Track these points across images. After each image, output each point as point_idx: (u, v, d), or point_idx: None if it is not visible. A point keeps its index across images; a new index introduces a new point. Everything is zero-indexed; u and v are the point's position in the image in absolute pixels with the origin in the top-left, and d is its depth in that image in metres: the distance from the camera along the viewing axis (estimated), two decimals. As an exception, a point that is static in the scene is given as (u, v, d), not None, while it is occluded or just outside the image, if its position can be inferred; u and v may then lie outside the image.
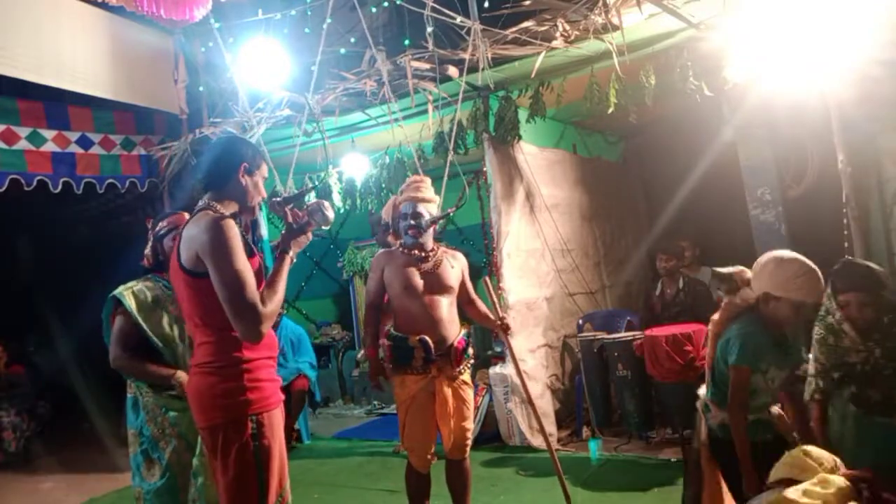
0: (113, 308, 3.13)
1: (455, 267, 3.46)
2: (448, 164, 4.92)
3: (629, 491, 4.06)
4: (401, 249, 3.44)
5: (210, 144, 2.43)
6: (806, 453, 2.41)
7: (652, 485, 4.08)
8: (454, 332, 3.35)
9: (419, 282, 3.32)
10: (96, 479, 5.58)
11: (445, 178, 4.92)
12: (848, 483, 2.29)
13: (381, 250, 3.60)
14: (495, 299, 3.62)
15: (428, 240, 3.43)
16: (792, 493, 2.32)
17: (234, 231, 2.07)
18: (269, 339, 2.17)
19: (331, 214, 2.34)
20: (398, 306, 3.38)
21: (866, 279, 2.81)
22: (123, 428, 6.94)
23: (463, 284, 3.51)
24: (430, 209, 3.45)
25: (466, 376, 3.39)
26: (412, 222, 3.37)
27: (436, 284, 3.34)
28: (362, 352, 6.62)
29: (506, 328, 3.50)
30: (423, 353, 3.24)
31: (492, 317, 3.61)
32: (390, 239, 5.47)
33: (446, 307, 3.36)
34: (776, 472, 2.48)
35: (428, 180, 3.56)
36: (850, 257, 2.98)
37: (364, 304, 3.52)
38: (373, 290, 3.47)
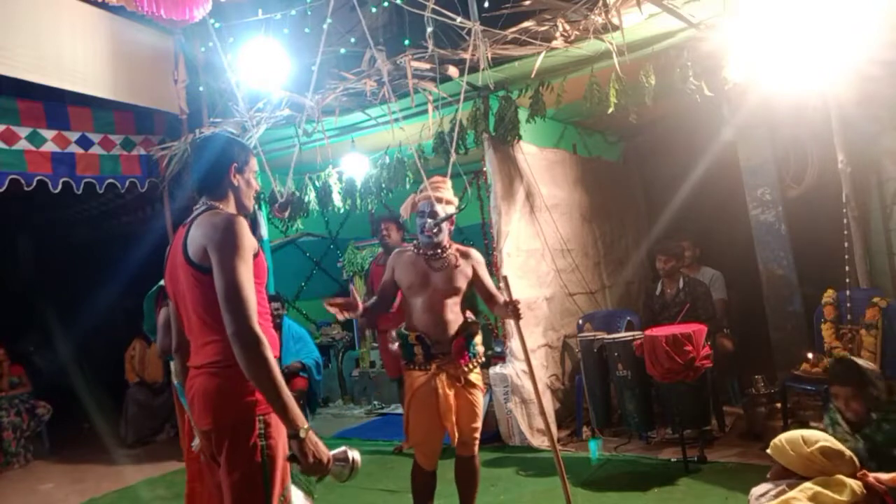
0: (159, 297, 3.17)
1: (465, 266, 3.42)
2: (451, 165, 4.91)
3: (629, 491, 4.06)
4: (414, 249, 3.43)
5: (196, 148, 2.39)
6: (823, 452, 2.36)
7: (652, 485, 4.08)
8: (453, 329, 3.34)
9: (423, 280, 3.33)
10: (96, 479, 5.59)
11: (448, 179, 4.90)
12: (863, 490, 2.26)
13: (396, 250, 3.60)
14: (503, 286, 3.54)
15: (443, 239, 3.40)
16: (799, 496, 2.28)
17: (247, 232, 2.07)
18: (271, 338, 2.16)
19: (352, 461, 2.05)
20: (405, 304, 3.42)
21: (852, 374, 2.87)
22: (123, 428, 7.01)
23: (480, 281, 3.45)
24: (449, 210, 3.44)
25: (474, 377, 3.35)
26: (429, 221, 3.36)
27: (441, 284, 3.34)
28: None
29: (515, 311, 3.36)
30: (421, 349, 3.28)
31: (497, 302, 3.58)
32: (394, 235, 5.48)
33: (449, 307, 3.34)
34: (790, 461, 2.43)
35: (448, 181, 3.54)
36: (847, 354, 3.00)
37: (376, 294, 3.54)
38: (383, 285, 3.47)
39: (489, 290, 3.50)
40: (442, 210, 3.40)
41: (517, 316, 3.37)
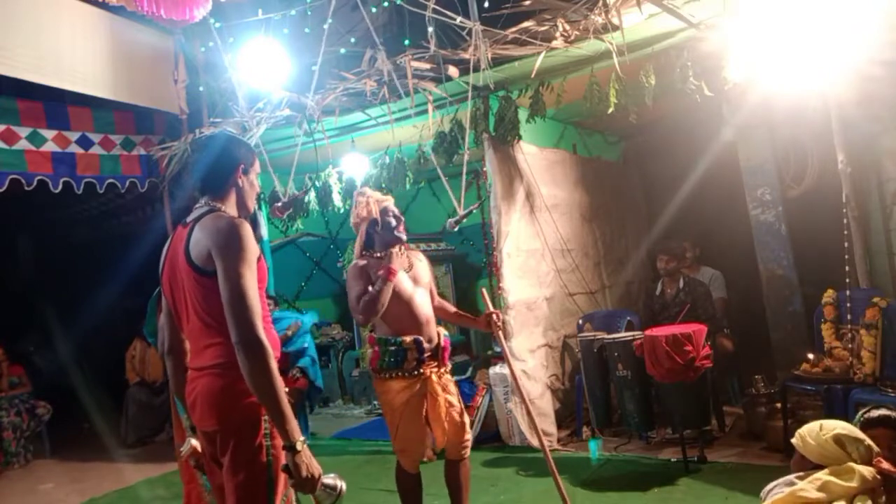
0: (160, 300, 3.18)
1: (423, 262, 3.47)
2: (465, 163, 4.93)
3: (629, 491, 4.06)
4: (373, 257, 3.34)
5: (202, 145, 2.38)
6: (836, 440, 2.30)
7: (652, 485, 4.08)
8: (436, 330, 3.35)
9: (406, 281, 3.29)
10: (96, 479, 5.59)
11: (464, 178, 4.94)
12: (876, 476, 2.22)
13: (357, 262, 3.37)
14: (487, 301, 3.52)
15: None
16: (807, 487, 2.25)
17: (251, 237, 2.07)
18: (273, 339, 2.16)
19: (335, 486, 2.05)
20: (387, 310, 3.24)
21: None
22: (123, 428, 7.00)
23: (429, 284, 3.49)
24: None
25: (447, 375, 3.38)
26: (401, 219, 3.38)
27: (415, 281, 3.34)
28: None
29: (495, 325, 3.36)
30: (416, 354, 3.21)
31: (467, 316, 3.63)
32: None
33: (428, 304, 3.36)
34: (808, 450, 2.38)
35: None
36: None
37: (360, 305, 3.21)
38: (363, 294, 3.27)
39: (436, 298, 3.51)
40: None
41: (496, 328, 3.39)
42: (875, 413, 2.63)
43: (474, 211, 3.79)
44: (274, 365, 1.97)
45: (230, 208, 2.23)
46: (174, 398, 3.59)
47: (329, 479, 2.00)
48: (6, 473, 6.03)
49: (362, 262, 3.32)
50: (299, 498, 2.22)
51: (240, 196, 2.27)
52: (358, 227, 3.42)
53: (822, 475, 2.26)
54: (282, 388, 1.97)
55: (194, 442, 2.38)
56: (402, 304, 3.26)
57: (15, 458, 6.20)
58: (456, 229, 3.57)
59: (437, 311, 3.50)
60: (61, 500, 5.22)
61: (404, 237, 3.36)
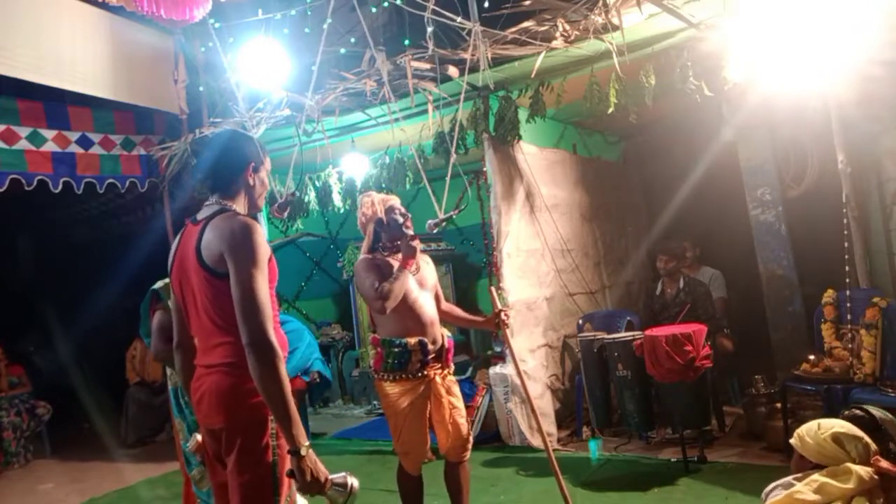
0: (152, 302, 3.16)
1: (430, 265, 3.47)
2: (451, 166, 4.92)
3: (629, 491, 4.06)
4: (385, 255, 3.34)
5: (212, 143, 2.36)
6: (834, 438, 2.28)
7: (652, 485, 4.08)
8: (440, 331, 3.34)
9: (412, 283, 3.28)
10: (96, 479, 5.59)
11: (448, 179, 4.93)
12: (874, 476, 2.20)
13: (365, 257, 3.36)
14: (496, 299, 3.55)
15: None
16: (804, 490, 2.24)
17: (263, 238, 2.07)
18: (280, 339, 2.16)
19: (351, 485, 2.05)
20: (392, 310, 3.20)
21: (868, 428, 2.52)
22: (123, 428, 7.01)
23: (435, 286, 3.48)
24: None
25: (451, 377, 3.38)
26: (408, 216, 3.37)
27: (421, 281, 3.34)
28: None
29: (503, 323, 3.35)
30: (420, 356, 3.19)
31: (474, 318, 3.62)
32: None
33: (433, 306, 3.35)
34: (806, 449, 2.37)
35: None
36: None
37: (378, 291, 3.12)
38: (377, 282, 3.22)
39: (442, 300, 3.49)
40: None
41: (504, 325, 3.37)
42: (849, 413, 2.62)
43: (454, 217, 3.76)
44: (283, 369, 1.97)
45: (240, 206, 2.23)
46: (171, 398, 3.60)
47: (339, 478, 2.00)
48: (6, 473, 6.03)
49: (370, 257, 3.32)
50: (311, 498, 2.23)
51: (250, 194, 2.27)
52: (365, 227, 3.41)
53: (819, 477, 2.25)
54: (289, 393, 1.96)
55: (199, 437, 2.39)
56: (406, 304, 3.23)
57: (15, 458, 6.20)
58: (435, 231, 3.55)
59: (446, 314, 3.48)
60: (61, 500, 5.22)
61: (412, 233, 3.33)
